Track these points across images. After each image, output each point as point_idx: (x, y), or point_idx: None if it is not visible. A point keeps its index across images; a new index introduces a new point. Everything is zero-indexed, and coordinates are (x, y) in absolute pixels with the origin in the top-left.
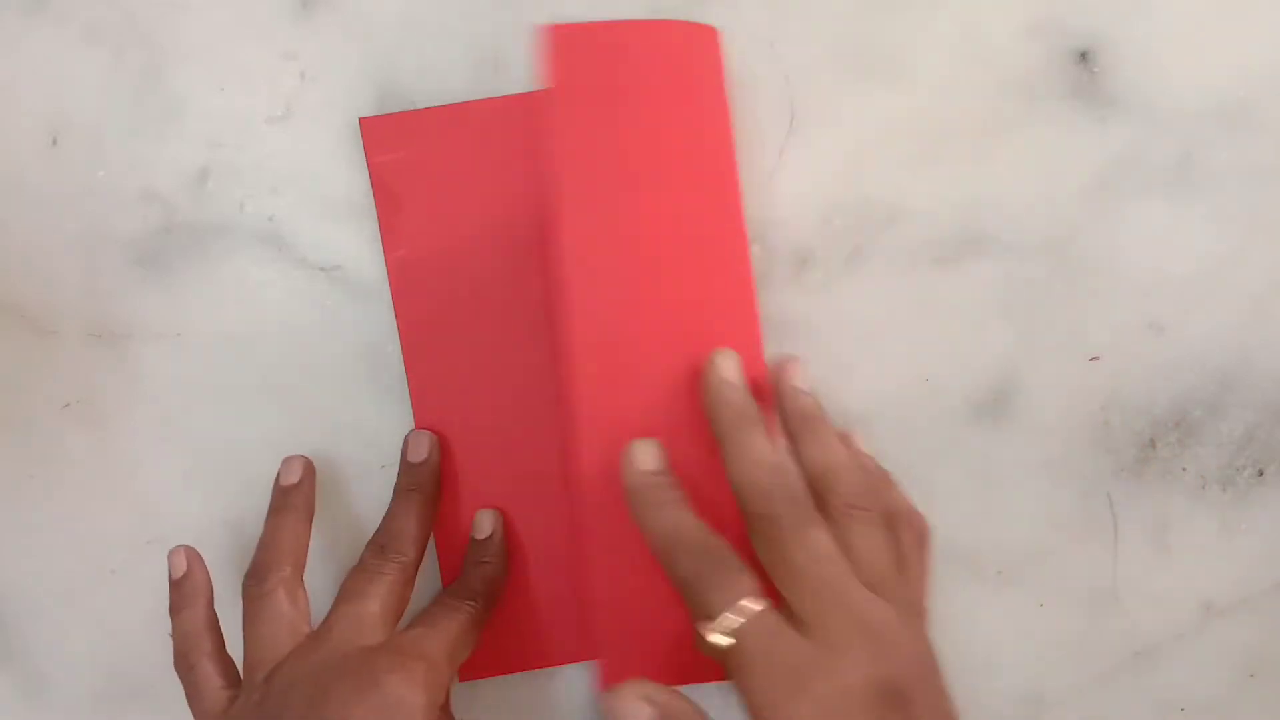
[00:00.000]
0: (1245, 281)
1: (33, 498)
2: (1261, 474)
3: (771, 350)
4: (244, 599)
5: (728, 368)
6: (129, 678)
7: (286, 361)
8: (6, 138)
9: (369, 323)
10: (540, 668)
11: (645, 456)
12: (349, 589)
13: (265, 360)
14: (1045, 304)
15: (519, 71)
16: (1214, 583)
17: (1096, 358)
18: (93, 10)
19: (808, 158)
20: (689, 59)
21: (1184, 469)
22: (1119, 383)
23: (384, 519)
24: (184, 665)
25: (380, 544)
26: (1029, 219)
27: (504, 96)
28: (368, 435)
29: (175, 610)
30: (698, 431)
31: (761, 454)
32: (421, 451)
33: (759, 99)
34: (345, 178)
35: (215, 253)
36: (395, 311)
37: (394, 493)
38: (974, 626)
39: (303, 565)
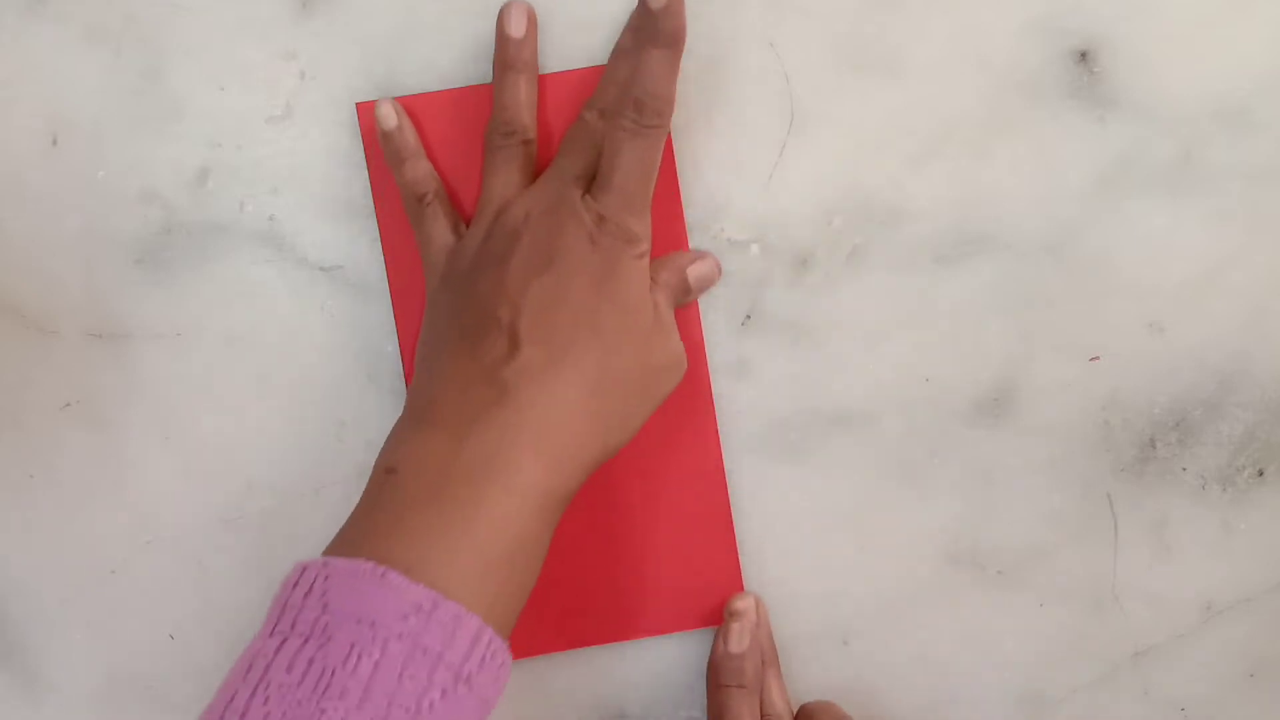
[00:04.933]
0: (1245, 282)
1: (33, 498)
2: (1261, 474)
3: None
4: (487, 150)
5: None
6: (129, 678)
7: (286, 361)
8: (6, 138)
9: (369, 323)
10: (560, 650)
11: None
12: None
13: (265, 360)
14: (1045, 304)
15: None
16: (1214, 583)
17: (1096, 358)
18: (93, 10)
19: (808, 157)
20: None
21: (1184, 469)
22: (1119, 383)
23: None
24: (415, 207)
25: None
26: (1029, 219)
27: None
28: (368, 435)
29: (398, 162)
30: None
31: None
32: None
33: (759, 99)
34: (345, 178)
35: (215, 253)
36: (394, 311)
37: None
38: (974, 626)
39: (533, 130)
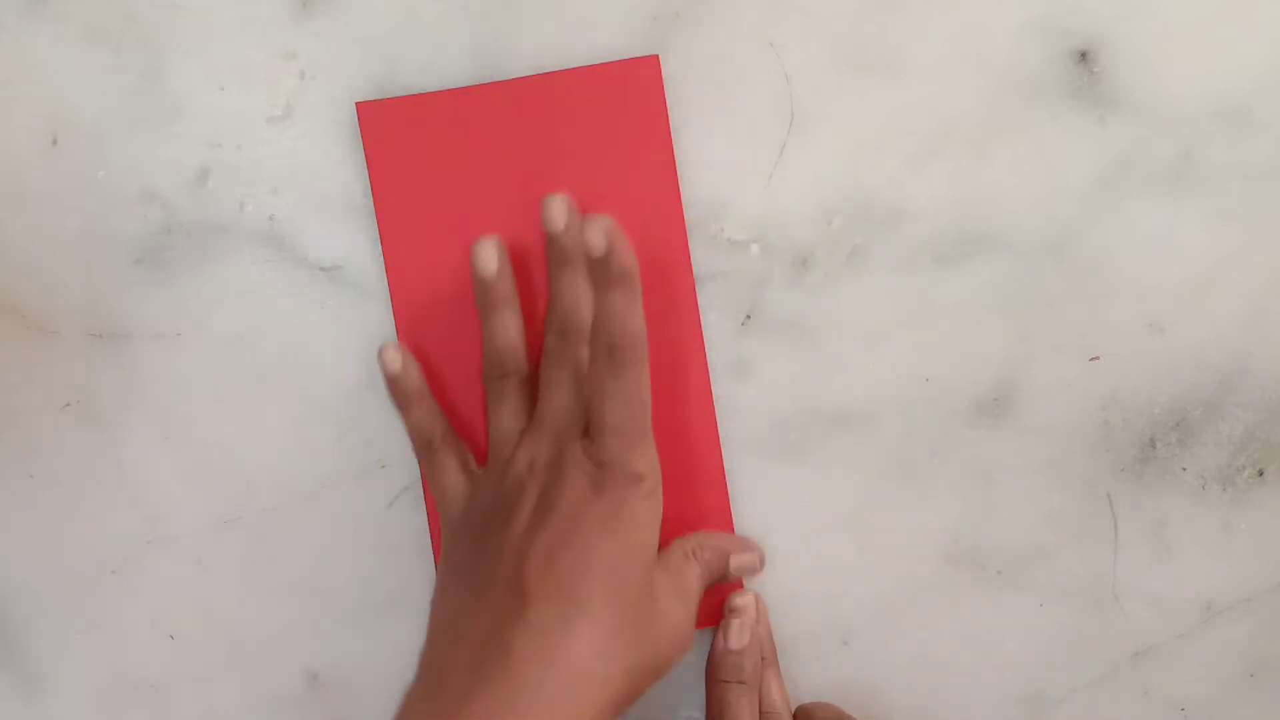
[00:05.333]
0: (1245, 282)
1: (33, 498)
2: (1261, 474)
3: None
4: (486, 390)
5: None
6: (129, 678)
7: (286, 361)
8: (6, 138)
9: (369, 323)
10: None
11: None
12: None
13: (265, 360)
14: (1045, 304)
15: (520, 71)
16: (1214, 583)
17: (1096, 358)
18: (93, 10)
19: (808, 157)
20: (520, 115)
21: (1184, 469)
22: (1119, 383)
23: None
24: (425, 452)
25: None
26: (1029, 219)
27: (503, 81)
28: (368, 435)
29: (404, 406)
30: None
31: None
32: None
33: (759, 99)
34: (346, 177)
35: (215, 253)
36: (394, 311)
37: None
38: (974, 626)
39: (525, 363)
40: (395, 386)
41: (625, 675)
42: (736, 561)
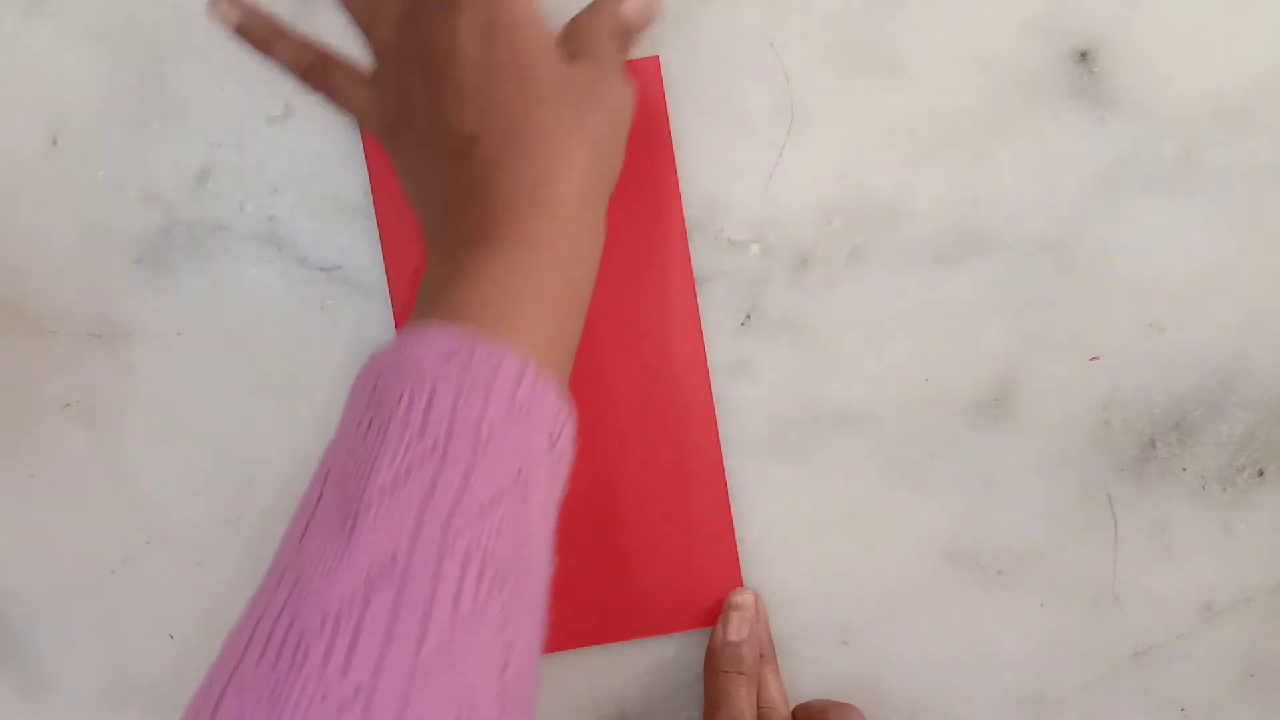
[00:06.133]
0: (1245, 281)
1: (33, 498)
2: (1261, 474)
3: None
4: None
5: None
6: (129, 678)
7: (286, 361)
8: (6, 138)
9: (369, 323)
10: (560, 650)
11: None
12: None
13: (265, 360)
14: (1045, 304)
15: None
16: (1214, 583)
17: (1096, 358)
18: (93, 10)
19: (808, 157)
20: None
21: (1184, 469)
22: (1119, 383)
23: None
24: (311, 82)
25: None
26: (1029, 219)
27: None
28: None
29: (265, 50)
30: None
31: None
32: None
33: (759, 99)
34: (345, 178)
35: (215, 253)
36: (394, 311)
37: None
38: (974, 626)
39: None
40: (246, 36)
41: (591, 146)
42: (627, 11)
